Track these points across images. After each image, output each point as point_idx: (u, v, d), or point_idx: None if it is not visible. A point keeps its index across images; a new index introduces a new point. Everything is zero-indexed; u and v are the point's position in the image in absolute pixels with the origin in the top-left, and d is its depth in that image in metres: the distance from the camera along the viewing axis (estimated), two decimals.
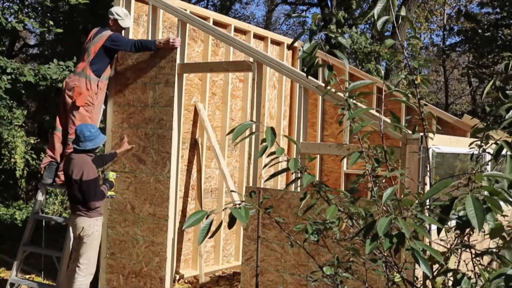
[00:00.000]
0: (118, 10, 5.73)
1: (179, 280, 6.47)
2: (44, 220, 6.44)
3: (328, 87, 2.16)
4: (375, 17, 1.79)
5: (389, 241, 1.60)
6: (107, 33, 5.67)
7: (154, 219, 5.50)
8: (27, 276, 6.40)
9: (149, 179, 5.54)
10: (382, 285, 3.50)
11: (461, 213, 1.60)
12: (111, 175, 5.53)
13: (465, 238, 2.04)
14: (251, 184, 4.89)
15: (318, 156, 7.80)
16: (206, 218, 1.85)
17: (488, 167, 3.47)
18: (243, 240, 4.84)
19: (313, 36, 1.98)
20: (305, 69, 9.79)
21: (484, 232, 1.70)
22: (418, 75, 1.93)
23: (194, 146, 6.69)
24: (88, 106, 5.64)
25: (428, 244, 2.03)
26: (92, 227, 5.10)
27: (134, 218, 5.63)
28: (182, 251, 6.66)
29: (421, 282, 2.24)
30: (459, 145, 4.51)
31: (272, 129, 2.00)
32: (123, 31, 5.85)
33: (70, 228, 5.45)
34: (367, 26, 17.74)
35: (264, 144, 1.97)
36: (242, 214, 1.85)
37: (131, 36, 5.95)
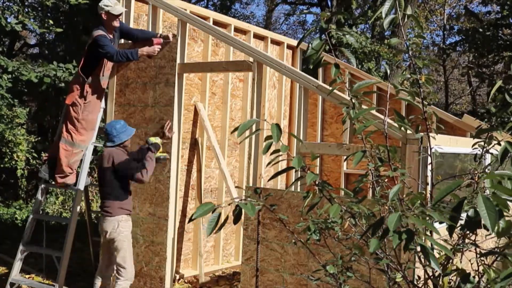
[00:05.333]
0: (105, 2, 5.62)
1: (179, 280, 6.46)
2: (44, 220, 6.43)
3: (333, 86, 2.15)
4: (383, 16, 1.78)
5: (398, 238, 1.60)
6: (95, 33, 5.53)
7: (154, 219, 5.50)
8: (27, 276, 6.38)
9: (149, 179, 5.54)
10: (383, 284, 3.49)
11: (469, 213, 1.59)
12: (153, 139, 5.29)
13: (468, 237, 2.03)
14: (251, 184, 4.89)
15: (318, 156, 7.79)
16: (213, 212, 1.89)
17: (490, 167, 3.46)
18: (243, 240, 4.84)
19: (323, 33, 1.98)
20: (305, 69, 9.75)
21: (488, 232, 1.69)
22: (422, 74, 1.92)
23: (194, 146, 6.68)
24: (75, 106, 5.58)
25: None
26: (116, 229, 4.93)
27: (134, 218, 5.62)
28: (182, 251, 6.65)
29: (423, 282, 2.23)
30: (459, 145, 4.50)
31: (277, 125, 2.00)
32: (117, 21, 5.64)
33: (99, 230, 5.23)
34: (367, 26, 17.73)
35: (269, 140, 1.97)
36: (249, 208, 1.90)
37: None
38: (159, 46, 5.56)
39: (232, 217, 1.95)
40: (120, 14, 5.66)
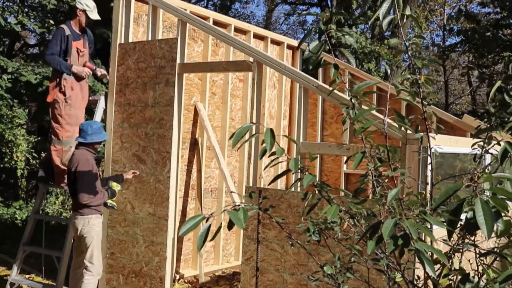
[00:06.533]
0: (87, 1, 5.73)
1: (179, 279, 6.46)
2: (44, 220, 6.43)
3: (333, 87, 2.15)
4: (381, 18, 1.78)
5: (394, 243, 1.58)
6: (58, 26, 5.79)
7: (154, 219, 5.50)
8: (27, 276, 6.39)
9: (149, 179, 5.53)
10: (383, 284, 3.49)
11: (468, 215, 1.58)
12: (115, 185, 5.37)
13: (468, 237, 2.03)
14: (251, 184, 4.88)
15: (318, 156, 7.79)
16: (206, 221, 1.79)
17: (489, 167, 3.46)
18: (243, 240, 4.83)
19: (322, 35, 1.98)
20: (305, 69, 9.75)
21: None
22: (422, 74, 1.92)
23: (194, 146, 6.68)
24: (57, 103, 5.66)
25: (430, 244, 2.02)
26: (87, 227, 5.03)
27: (134, 218, 5.62)
28: (182, 250, 6.65)
29: (423, 282, 2.23)
30: (459, 145, 4.50)
31: (272, 131, 1.98)
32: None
33: (71, 228, 5.41)
34: (367, 26, 17.73)
35: (263, 146, 1.96)
36: (240, 217, 1.76)
37: (131, 36, 5.94)
38: (89, 71, 5.82)
39: (230, 222, 1.90)
40: (93, 21, 5.90)
